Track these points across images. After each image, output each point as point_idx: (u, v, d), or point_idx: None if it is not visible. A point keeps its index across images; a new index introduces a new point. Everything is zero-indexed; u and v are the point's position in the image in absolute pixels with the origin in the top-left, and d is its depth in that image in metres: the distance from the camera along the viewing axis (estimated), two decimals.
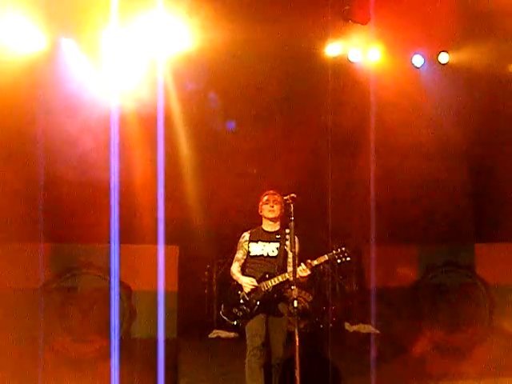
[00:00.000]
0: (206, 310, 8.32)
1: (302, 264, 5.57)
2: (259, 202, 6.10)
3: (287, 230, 5.79)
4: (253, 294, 5.74)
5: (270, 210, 5.97)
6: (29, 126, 7.35)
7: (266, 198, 6.05)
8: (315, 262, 5.60)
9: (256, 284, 5.74)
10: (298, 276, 5.40)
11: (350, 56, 7.93)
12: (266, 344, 5.69)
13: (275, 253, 5.88)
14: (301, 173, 7.96)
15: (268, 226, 6.02)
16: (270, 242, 5.93)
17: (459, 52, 7.86)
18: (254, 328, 5.70)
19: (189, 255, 8.23)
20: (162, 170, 7.21)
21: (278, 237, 5.93)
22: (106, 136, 7.19)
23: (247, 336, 5.73)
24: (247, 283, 5.76)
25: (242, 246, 6.03)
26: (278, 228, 6.02)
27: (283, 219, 5.98)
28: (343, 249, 5.67)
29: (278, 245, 5.90)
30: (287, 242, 5.82)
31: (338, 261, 5.65)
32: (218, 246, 8.30)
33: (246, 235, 6.06)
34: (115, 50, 7.25)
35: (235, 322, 5.84)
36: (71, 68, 7.53)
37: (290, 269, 5.64)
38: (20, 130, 7.25)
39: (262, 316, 5.73)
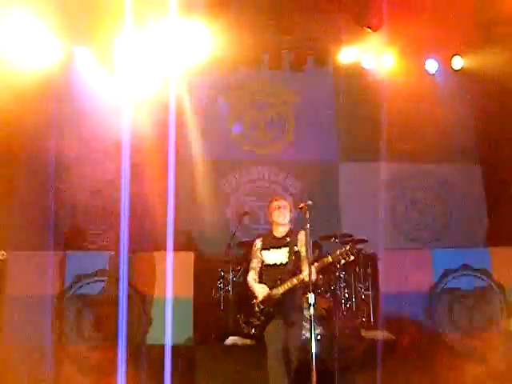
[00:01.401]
0: (221, 316, 8.31)
1: (313, 266, 5.58)
2: (268, 209, 6.18)
3: (300, 235, 5.92)
4: (266, 302, 5.81)
5: (279, 215, 6.06)
6: (42, 135, 7.39)
7: (275, 203, 6.14)
8: (316, 264, 5.63)
9: (268, 291, 5.81)
10: (305, 280, 5.52)
11: (363, 62, 7.93)
12: (286, 343, 5.70)
13: (287, 259, 5.93)
14: (313, 179, 7.97)
15: (278, 232, 6.10)
16: (280, 247, 5.99)
17: (473, 57, 7.86)
18: (273, 334, 5.76)
19: (204, 262, 8.24)
20: (173, 177, 7.22)
21: (287, 240, 5.99)
22: (118, 144, 7.21)
23: (266, 341, 5.79)
24: (259, 291, 5.85)
25: (256, 255, 6.12)
26: (287, 231, 6.09)
27: (292, 223, 6.10)
28: (347, 248, 5.67)
29: (287, 249, 5.95)
30: (298, 244, 5.92)
31: (342, 261, 5.68)
32: (233, 252, 8.29)
33: (258, 243, 6.15)
34: (129, 59, 7.29)
35: (253, 331, 5.93)
36: (86, 77, 7.58)
37: (304, 272, 5.64)
38: (34, 139, 7.29)
39: (278, 321, 5.78)
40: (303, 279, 5.63)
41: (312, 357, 5.13)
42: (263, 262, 6.05)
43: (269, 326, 5.80)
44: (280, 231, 6.09)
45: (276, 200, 6.20)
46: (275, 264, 5.97)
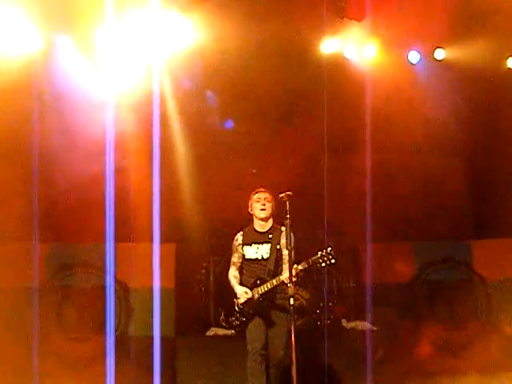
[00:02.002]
0: (203, 307, 8.31)
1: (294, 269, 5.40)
2: (249, 200, 5.97)
3: (282, 228, 5.77)
4: (246, 303, 5.72)
5: (261, 209, 5.86)
6: (24, 125, 7.33)
7: (256, 195, 5.92)
8: (299, 268, 5.52)
9: (250, 295, 5.70)
10: (285, 281, 5.41)
11: (345, 53, 7.91)
12: (266, 347, 5.67)
13: (268, 254, 5.81)
14: (296, 170, 7.95)
15: (259, 226, 5.92)
16: (262, 243, 5.84)
17: (455, 48, 7.85)
18: (253, 332, 5.70)
19: (185, 253, 8.21)
20: (158, 168, 7.19)
21: (270, 237, 5.84)
22: (101, 135, 7.16)
23: (247, 340, 5.73)
24: (241, 295, 5.73)
25: (237, 249, 5.96)
26: (269, 226, 5.92)
27: (275, 216, 5.92)
28: (329, 250, 5.58)
29: (269, 245, 5.81)
30: (282, 241, 5.78)
31: (323, 264, 5.58)
32: (214, 244, 8.28)
33: (239, 238, 5.98)
34: (111, 48, 7.22)
35: (233, 330, 5.99)
36: (67, 66, 7.51)
37: (284, 274, 5.53)
38: (16, 129, 7.23)
39: (259, 320, 5.71)
40: (283, 281, 5.50)
41: (292, 349, 5.11)
42: (244, 255, 5.91)
43: (250, 326, 5.72)
44: (262, 225, 5.92)
45: (258, 192, 5.96)
46: (256, 259, 5.84)
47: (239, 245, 5.94)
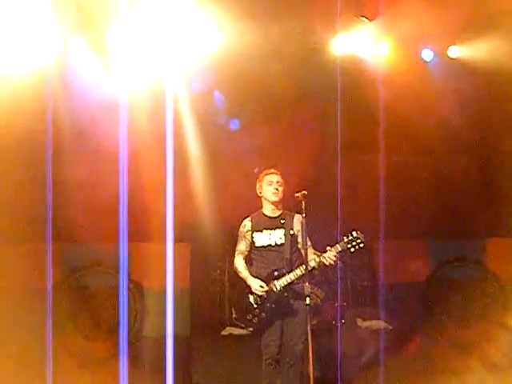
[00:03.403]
0: (218, 307, 8.32)
1: (328, 251, 5.28)
2: (258, 182, 5.72)
3: (296, 218, 5.57)
4: (265, 297, 5.44)
5: (274, 192, 5.59)
6: (37, 125, 7.34)
7: (268, 178, 5.66)
8: (338, 248, 5.29)
9: (267, 288, 5.42)
10: (328, 262, 5.22)
11: (358, 52, 7.89)
12: (281, 350, 5.48)
13: (282, 240, 5.52)
14: (310, 169, 7.95)
15: (270, 211, 5.66)
16: (275, 228, 5.57)
17: (469, 46, 7.81)
18: (269, 337, 5.49)
19: (200, 253, 8.21)
20: (172, 168, 7.19)
21: (282, 222, 5.57)
22: (114, 134, 7.17)
23: (262, 344, 5.53)
24: (257, 289, 5.42)
25: (245, 237, 5.67)
26: (280, 212, 5.67)
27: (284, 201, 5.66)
28: (354, 234, 5.32)
29: (283, 231, 5.54)
30: (295, 227, 5.52)
31: (352, 249, 5.34)
32: (229, 243, 8.27)
33: (247, 224, 5.69)
34: (124, 49, 7.24)
35: (251, 328, 5.59)
36: (80, 66, 7.53)
37: (311, 262, 5.28)
38: (28, 128, 7.25)
39: (276, 322, 5.47)
40: (316, 266, 5.24)
41: (309, 348, 5.04)
42: (254, 243, 5.60)
43: (267, 329, 5.47)
44: (273, 210, 5.65)
45: (269, 174, 5.70)
46: (269, 245, 5.54)
47: (248, 231, 5.64)
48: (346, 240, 5.37)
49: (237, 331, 7.68)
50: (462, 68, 7.84)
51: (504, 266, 8.08)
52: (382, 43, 7.78)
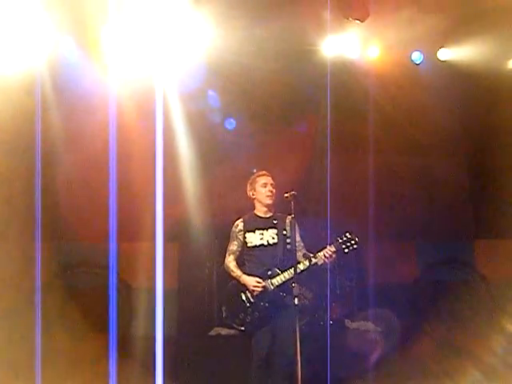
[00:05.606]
0: (206, 307, 8.31)
1: (324, 251, 5.34)
2: (250, 184, 5.77)
3: (287, 220, 5.58)
4: (259, 295, 5.46)
5: (268, 195, 5.66)
6: (28, 124, 7.32)
7: (262, 180, 5.72)
8: (333, 249, 5.36)
9: (264, 283, 5.44)
10: (327, 258, 5.28)
11: (348, 53, 7.90)
12: (274, 345, 5.47)
13: (275, 239, 5.57)
14: (300, 170, 7.96)
15: (262, 212, 5.71)
16: (267, 228, 5.62)
17: (459, 48, 7.83)
18: (260, 340, 5.48)
19: (189, 253, 8.21)
20: (161, 168, 7.18)
21: (275, 222, 5.62)
22: (104, 134, 7.15)
23: (253, 346, 5.52)
24: (255, 286, 5.43)
25: (237, 237, 5.70)
26: (272, 212, 5.72)
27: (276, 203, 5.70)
28: (348, 235, 5.41)
29: (275, 231, 5.59)
30: (287, 227, 5.55)
31: (346, 250, 5.42)
32: (217, 243, 8.27)
33: (240, 224, 5.73)
34: (114, 46, 7.23)
35: (243, 328, 5.56)
36: (70, 66, 7.51)
37: (306, 261, 5.32)
38: (19, 127, 7.22)
39: (268, 322, 5.46)
40: (296, 272, 5.20)
41: (297, 349, 5.02)
42: (246, 243, 5.64)
43: (258, 332, 5.47)
44: (266, 211, 5.72)
45: (261, 175, 5.78)
46: (262, 245, 5.58)
47: (240, 231, 5.69)
48: (340, 241, 5.47)
49: (224, 331, 7.68)
50: (452, 70, 7.86)
51: (492, 268, 8.12)
52: (372, 45, 7.79)
